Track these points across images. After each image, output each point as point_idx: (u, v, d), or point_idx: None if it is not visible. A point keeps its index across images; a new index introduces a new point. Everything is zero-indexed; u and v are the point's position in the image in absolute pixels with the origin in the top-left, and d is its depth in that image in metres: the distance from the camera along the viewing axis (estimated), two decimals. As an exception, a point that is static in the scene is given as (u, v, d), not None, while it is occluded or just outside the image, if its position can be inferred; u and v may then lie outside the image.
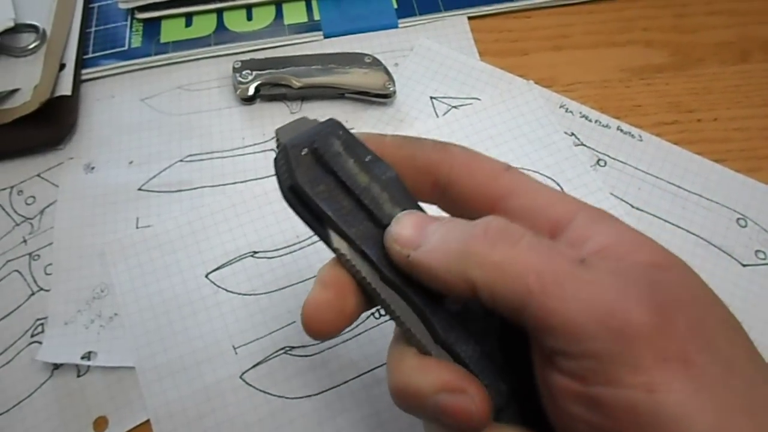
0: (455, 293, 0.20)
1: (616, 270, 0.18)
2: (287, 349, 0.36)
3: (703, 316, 0.18)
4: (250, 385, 0.35)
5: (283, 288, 0.38)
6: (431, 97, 0.45)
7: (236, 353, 0.36)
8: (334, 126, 0.24)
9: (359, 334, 0.36)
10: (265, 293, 0.38)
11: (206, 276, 0.38)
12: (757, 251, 0.39)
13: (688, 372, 0.17)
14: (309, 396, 0.34)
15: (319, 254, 0.38)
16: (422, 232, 0.21)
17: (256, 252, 0.39)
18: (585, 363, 0.18)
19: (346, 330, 0.35)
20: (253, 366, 0.35)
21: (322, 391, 0.35)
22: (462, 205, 0.23)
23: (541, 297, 0.18)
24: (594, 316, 0.17)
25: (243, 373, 0.35)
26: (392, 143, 0.24)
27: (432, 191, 0.24)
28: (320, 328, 0.22)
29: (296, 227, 0.39)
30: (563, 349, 0.18)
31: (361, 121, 0.44)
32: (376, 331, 0.36)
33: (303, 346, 0.36)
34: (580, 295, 0.18)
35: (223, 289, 0.38)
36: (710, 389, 0.17)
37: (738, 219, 0.40)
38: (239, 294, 0.37)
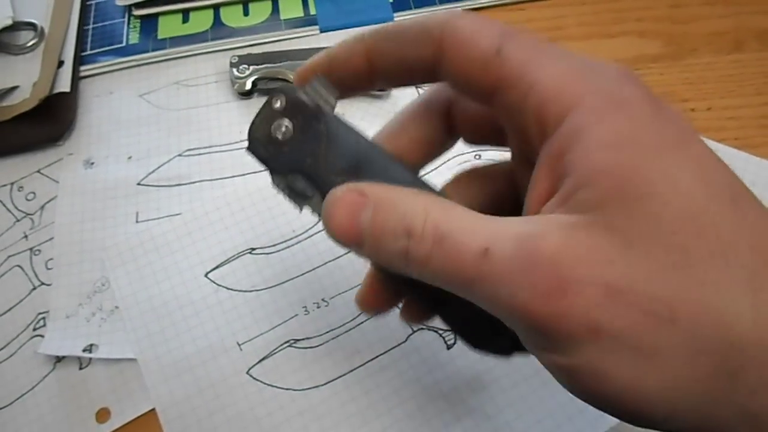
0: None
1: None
2: (291, 342, 0.36)
3: None
4: (258, 380, 0.35)
5: (282, 282, 0.38)
6: (427, 90, 0.46)
7: (241, 349, 0.36)
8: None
9: (361, 323, 0.36)
10: (265, 289, 0.38)
11: (206, 275, 0.38)
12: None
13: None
14: (316, 387, 0.35)
15: (316, 247, 0.39)
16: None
17: (253, 249, 0.39)
18: None
19: (348, 320, 0.36)
20: (259, 361, 0.35)
21: (329, 381, 0.35)
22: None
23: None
24: None
25: (249, 369, 0.35)
26: (374, 49, 0.22)
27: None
28: None
29: (292, 222, 0.40)
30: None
31: (356, 116, 0.44)
32: (378, 319, 0.37)
33: (307, 338, 0.36)
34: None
35: (224, 287, 0.38)
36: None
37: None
38: (240, 291, 0.38)
